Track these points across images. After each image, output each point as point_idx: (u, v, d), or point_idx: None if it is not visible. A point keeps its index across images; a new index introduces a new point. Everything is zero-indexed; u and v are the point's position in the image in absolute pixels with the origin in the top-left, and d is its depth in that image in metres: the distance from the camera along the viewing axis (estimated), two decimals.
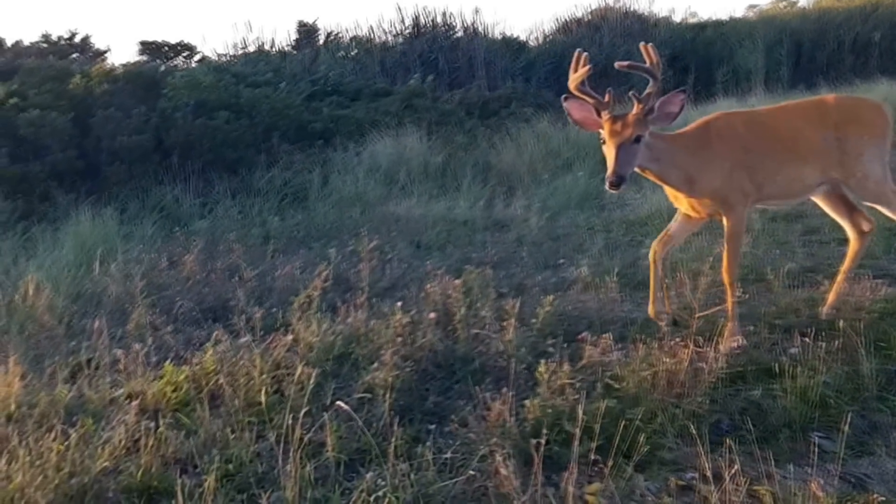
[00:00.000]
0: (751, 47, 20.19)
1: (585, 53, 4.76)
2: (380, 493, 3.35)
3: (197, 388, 4.42)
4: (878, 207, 5.09)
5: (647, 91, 4.55)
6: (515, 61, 19.89)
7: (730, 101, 15.64)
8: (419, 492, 3.41)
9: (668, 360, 4.22)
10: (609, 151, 4.50)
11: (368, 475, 3.45)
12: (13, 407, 4.17)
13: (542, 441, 3.36)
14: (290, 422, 3.76)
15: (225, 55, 20.54)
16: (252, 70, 15.61)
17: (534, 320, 4.82)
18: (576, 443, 3.50)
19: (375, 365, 4.41)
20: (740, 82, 18.99)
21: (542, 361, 4.09)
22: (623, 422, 3.77)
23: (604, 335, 4.78)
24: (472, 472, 3.50)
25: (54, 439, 3.80)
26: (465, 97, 15.63)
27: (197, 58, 20.41)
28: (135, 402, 4.35)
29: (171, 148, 11.02)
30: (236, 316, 5.28)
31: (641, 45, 4.71)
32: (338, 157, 11.06)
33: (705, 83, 19.09)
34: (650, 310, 5.12)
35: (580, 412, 3.56)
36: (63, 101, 11.02)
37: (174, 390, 4.45)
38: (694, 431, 3.69)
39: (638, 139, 4.52)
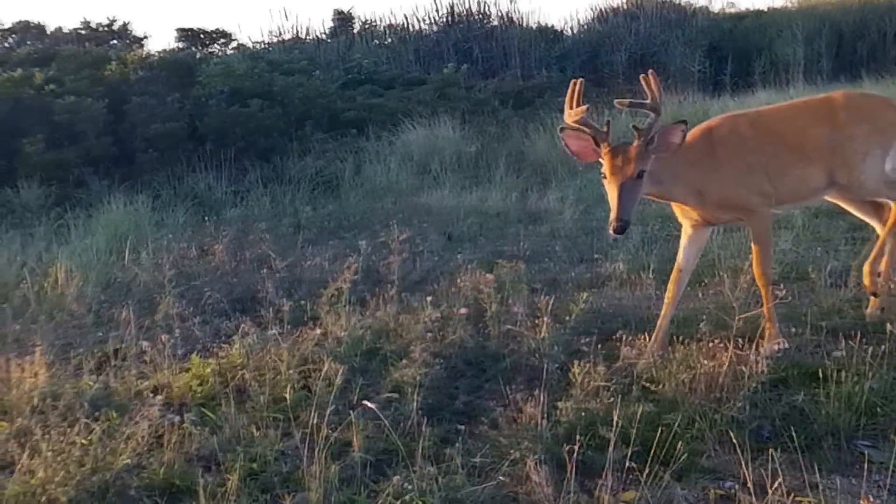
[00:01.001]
0: (790, 38, 19.77)
1: (581, 79, 4.51)
2: (407, 498, 3.25)
3: (223, 382, 4.36)
4: (879, 199, 4.95)
5: (649, 122, 4.29)
6: (550, 50, 19.68)
7: (769, 93, 15.33)
8: (447, 496, 3.30)
9: (707, 362, 4.06)
10: (611, 190, 4.23)
11: (395, 478, 3.35)
12: (37, 399, 4.11)
13: (577, 448, 3.24)
14: (315, 420, 3.68)
15: (260, 43, 20.53)
16: (287, 58, 15.56)
17: (567, 318, 4.68)
18: (611, 448, 3.37)
19: (404, 362, 4.30)
20: (779, 73, 18.61)
21: (576, 362, 3.97)
22: (661, 427, 3.64)
23: (640, 334, 4.67)
24: (502, 479, 3.38)
25: (78, 433, 3.74)
26: (499, 86, 15.48)
27: (233, 45, 20.40)
28: (160, 396, 4.31)
29: (204, 135, 11.00)
30: (264, 308, 5.21)
31: (642, 76, 4.40)
32: (370, 147, 10.97)
33: (743, 74, 18.76)
34: (651, 347, 4.59)
35: (616, 417, 3.43)
36: (99, 87, 11.03)
37: (200, 384, 4.38)
38: (734, 438, 3.55)
39: (641, 174, 4.24)
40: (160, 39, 50.77)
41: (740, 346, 4.34)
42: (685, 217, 4.80)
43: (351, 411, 3.86)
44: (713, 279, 5.40)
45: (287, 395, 4.06)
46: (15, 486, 3.43)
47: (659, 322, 4.71)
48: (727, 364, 4.05)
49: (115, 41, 18.67)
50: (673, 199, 4.67)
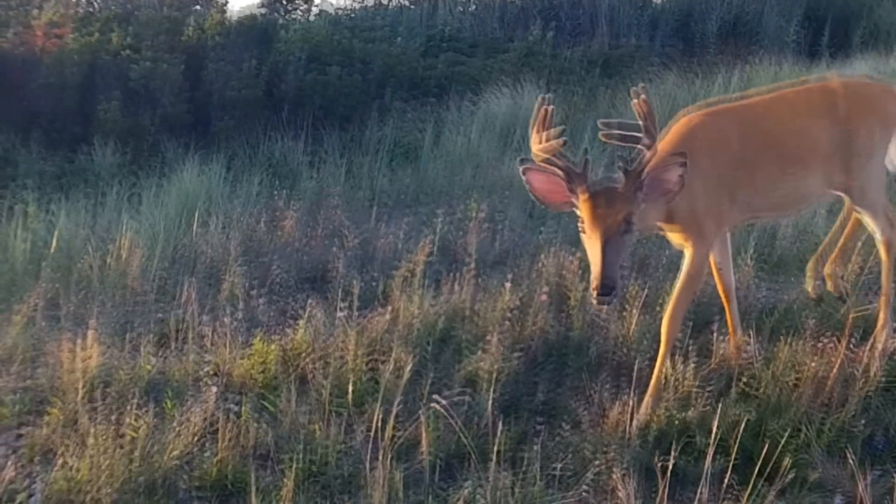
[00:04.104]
0: (891, 4, 18.66)
1: (551, 107, 3.58)
2: None
3: (285, 369, 4.09)
4: (864, 214, 4.12)
5: (640, 160, 3.41)
6: (640, 16, 18.89)
7: (867, 62, 14.44)
8: None
9: (815, 362, 3.62)
10: (592, 248, 3.34)
11: (467, 485, 3.03)
12: (89, 383, 3.89)
13: (671, 461, 2.88)
14: (381, 415, 3.38)
15: (343, 9, 20.26)
16: (368, 24, 15.26)
17: (659, 306, 4.28)
18: (708, 460, 3.00)
19: (480, 352, 3.97)
20: (879, 42, 17.57)
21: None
22: (763, 436, 3.25)
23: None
24: (584, 491, 3.03)
25: (128, 423, 3.52)
26: (586, 53, 14.90)
27: (315, 11, 20.18)
28: (219, 382, 4.08)
29: (281, 101, 10.77)
30: (334, 286, 4.94)
31: (633, 102, 3.45)
32: (451, 114, 10.59)
33: (840, 43, 17.74)
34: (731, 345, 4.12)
35: (714, 425, 3.05)
36: (175, 52, 10.86)
37: (261, 370, 4.13)
38: (846, 449, 3.19)
39: (629, 227, 3.37)
40: (242, 2, 51.06)
41: (852, 344, 3.85)
42: None
43: (420, 406, 3.54)
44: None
45: (352, 386, 3.78)
46: (57, 483, 3.22)
47: (727, 319, 4.18)
48: (837, 365, 3.62)
49: (197, 6, 18.60)
50: (646, 221, 3.61)
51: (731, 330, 4.12)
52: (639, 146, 3.42)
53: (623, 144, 3.60)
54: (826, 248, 4.43)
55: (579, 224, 3.41)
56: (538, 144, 3.51)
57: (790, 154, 3.89)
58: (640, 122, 3.43)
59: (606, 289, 3.27)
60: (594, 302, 3.37)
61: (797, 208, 4.28)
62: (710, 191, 3.72)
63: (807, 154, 3.93)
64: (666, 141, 3.69)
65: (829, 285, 4.39)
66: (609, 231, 3.31)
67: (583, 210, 3.37)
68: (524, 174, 3.49)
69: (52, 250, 5.89)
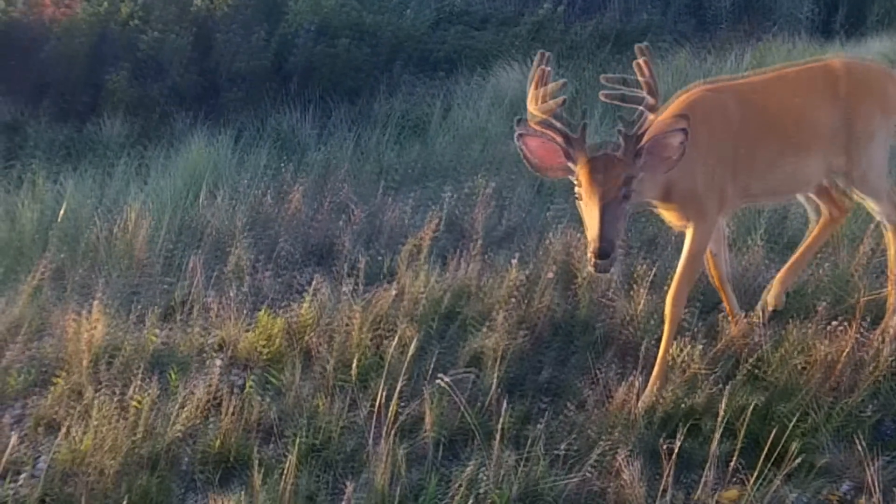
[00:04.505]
0: None
1: (548, 68, 3.47)
2: (481, 489, 2.91)
3: (290, 342, 4.07)
4: (867, 200, 4.03)
5: (640, 123, 3.29)
6: None
7: (883, 41, 14.27)
8: (526, 488, 2.96)
9: (824, 345, 3.58)
10: (590, 214, 3.21)
11: (470, 463, 3.01)
12: (94, 355, 3.88)
13: (677, 444, 2.85)
14: (385, 392, 3.36)
15: None
16: None
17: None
18: (714, 443, 2.97)
19: (485, 329, 3.95)
20: (895, 21, 17.36)
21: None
22: (770, 419, 3.22)
23: (745, 306, 4.20)
24: (588, 473, 3.01)
25: (133, 394, 3.52)
26: (597, 28, 14.75)
27: None
28: (224, 354, 4.07)
29: (290, 73, 10.70)
30: (340, 261, 4.92)
31: (634, 62, 3.37)
32: (460, 88, 10.51)
33: (855, 22, 17.53)
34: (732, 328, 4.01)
35: (721, 408, 3.02)
36: (184, 23, 10.79)
37: (266, 343, 4.11)
38: (855, 435, 3.15)
39: (628, 194, 3.25)
40: None
41: (863, 328, 3.78)
42: None
43: (425, 383, 3.52)
44: (828, 247, 4.84)
45: (357, 362, 3.75)
46: (62, 452, 3.21)
47: (726, 306, 4.10)
48: (847, 349, 3.58)
49: None
50: (644, 197, 3.56)
51: (731, 316, 4.05)
52: (640, 107, 3.30)
53: (624, 105, 3.43)
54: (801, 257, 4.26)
55: (576, 191, 3.30)
56: (535, 103, 3.40)
57: (790, 134, 3.80)
58: (642, 81, 3.33)
59: (605, 253, 3.14)
60: (591, 269, 3.24)
61: (796, 194, 4.15)
62: (711, 168, 3.64)
63: (806, 135, 3.83)
64: (665, 115, 3.60)
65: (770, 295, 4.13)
66: (607, 195, 3.19)
67: (580, 175, 3.26)
68: (519, 139, 3.35)
69: (59, 220, 5.89)
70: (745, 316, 4.01)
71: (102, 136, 9.06)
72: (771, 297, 4.08)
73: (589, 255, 3.19)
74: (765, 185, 3.83)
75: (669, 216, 3.77)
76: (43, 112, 9.92)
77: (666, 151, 3.30)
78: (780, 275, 4.14)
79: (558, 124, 3.32)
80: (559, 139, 3.30)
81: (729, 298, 4.07)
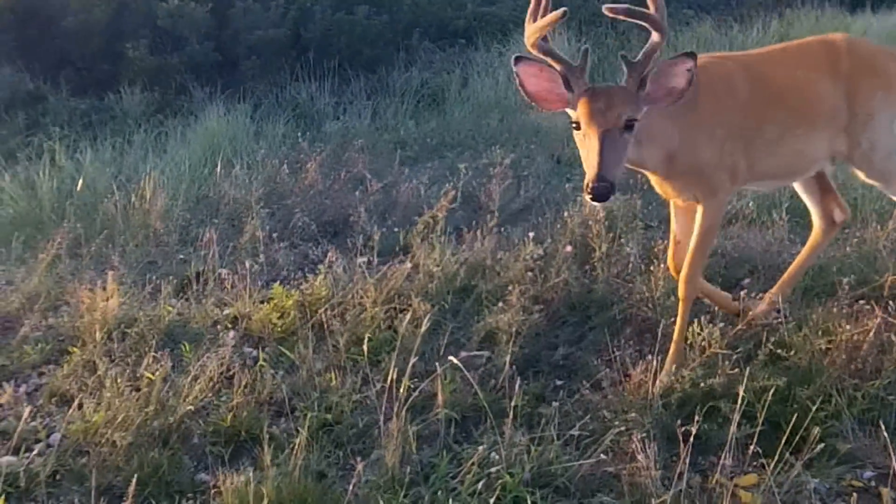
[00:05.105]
0: None
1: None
2: (493, 470, 2.86)
3: (303, 316, 4.03)
4: (878, 186, 3.93)
5: (645, 51, 3.11)
6: None
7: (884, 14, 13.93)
8: (538, 470, 2.91)
9: (848, 326, 3.49)
10: (589, 143, 3.03)
11: (481, 447, 2.95)
12: (105, 329, 3.86)
13: (694, 427, 2.79)
14: (398, 367, 3.29)
15: None
16: None
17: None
18: (732, 427, 2.90)
19: (500, 305, 3.88)
20: None
21: (695, 320, 3.47)
22: (791, 402, 3.15)
23: (768, 283, 4.12)
24: (602, 455, 2.95)
25: (146, 367, 3.49)
26: None
27: None
28: (238, 328, 4.04)
29: (308, 43, 10.60)
30: (355, 234, 4.87)
31: None
32: (479, 58, 10.37)
33: None
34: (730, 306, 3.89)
35: (740, 390, 2.95)
36: None
37: (280, 317, 4.07)
38: (879, 420, 3.06)
39: (630, 125, 3.06)
40: None
41: (890, 309, 3.66)
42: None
43: (437, 362, 3.46)
44: (855, 224, 4.73)
45: (369, 337, 3.70)
46: (74, 426, 3.20)
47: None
48: (873, 331, 3.48)
49: None
50: (642, 166, 3.44)
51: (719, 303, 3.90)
52: (646, 23, 3.11)
53: (630, 20, 3.19)
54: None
55: (573, 124, 3.12)
56: (533, 26, 3.21)
57: (794, 109, 3.67)
58: (650, 3, 3.16)
59: (603, 186, 2.94)
60: (587, 199, 3.02)
61: (799, 176, 3.94)
62: (720, 141, 3.49)
63: (810, 111, 3.69)
64: None
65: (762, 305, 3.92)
66: (608, 123, 3.02)
67: (579, 104, 3.08)
68: (516, 65, 3.16)
69: (78, 190, 5.87)
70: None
71: (122, 106, 9.04)
72: (758, 311, 3.86)
73: (585, 187, 2.99)
74: (770, 163, 3.67)
75: (673, 192, 3.61)
76: (64, 81, 9.91)
77: (672, 81, 3.11)
78: (772, 290, 3.98)
79: (558, 52, 3.18)
80: (559, 67, 3.14)
81: (704, 288, 3.85)
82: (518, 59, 3.16)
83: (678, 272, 3.67)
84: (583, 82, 3.10)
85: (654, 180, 3.61)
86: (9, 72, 10.07)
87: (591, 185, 2.96)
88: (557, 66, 3.14)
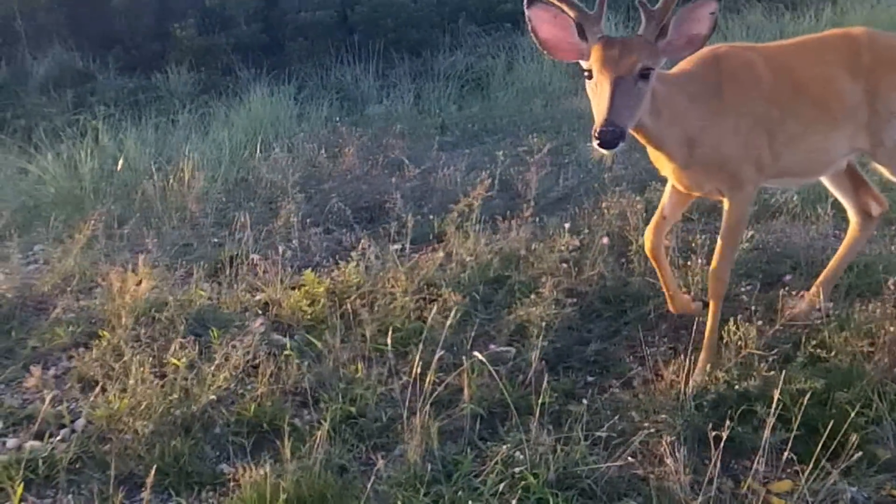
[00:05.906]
0: None
1: None
2: (517, 470, 2.79)
3: (333, 304, 3.98)
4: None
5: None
6: None
7: None
8: (564, 471, 2.83)
9: (892, 328, 3.35)
10: (600, 89, 2.90)
11: (506, 445, 2.88)
12: (134, 314, 3.85)
13: (726, 430, 2.69)
14: (426, 359, 3.23)
15: None
16: None
17: None
18: (767, 431, 2.78)
19: (533, 297, 3.80)
20: None
21: (732, 318, 3.35)
22: (829, 406, 3.03)
23: (810, 280, 3.98)
24: (630, 459, 2.86)
25: (173, 353, 3.47)
26: None
27: None
28: (268, 315, 4.01)
29: (354, 25, 10.61)
30: (390, 220, 4.81)
31: None
32: (525, 42, 10.23)
33: None
34: (670, 306, 3.73)
35: (776, 393, 2.83)
36: None
37: (310, 304, 4.03)
38: None
39: (646, 74, 2.92)
40: None
41: None
42: (662, 165, 3.49)
43: (464, 355, 3.39)
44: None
45: (396, 327, 3.64)
46: (97, 411, 3.19)
47: (662, 282, 3.74)
48: None
49: None
50: (661, 145, 3.27)
51: (666, 290, 3.70)
52: None
53: None
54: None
55: (585, 73, 2.98)
56: None
57: (814, 104, 3.51)
58: None
59: (611, 131, 2.79)
60: (595, 146, 2.86)
61: (818, 174, 3.78)
62: (745, 131, 3.36)
63: (832, 105, 3.52)
64: (685, 63, 3.36)
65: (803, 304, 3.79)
66: (621, 69, 2.88)
67: (593, 53, 2.94)
68: (528, 8, 3.02)
69: (119, 170, 5.90)
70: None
71: (168, 87, 9.11)
72: (799, 310, 3.72)
73: (593, 134, 2.84)
74: (793, 158, 3.51)
75: (693, 184, 3.46)
76: (113, 60, 10.02)
77: (695, 27, 2.95)
78: (812, 289, 3.84)
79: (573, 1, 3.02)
80: (574, 14, 3.00)
81: (663, 271, 3.68)
82: (531, 2, 3.02)
83: (653, 249, 3.57)
84: (598, 30, 2.98)
85: (673, 174, 3.46)
86: (59, 50, 10.21)
87: (598, 129, 2.82)
88: (572, 13, 3.01)
